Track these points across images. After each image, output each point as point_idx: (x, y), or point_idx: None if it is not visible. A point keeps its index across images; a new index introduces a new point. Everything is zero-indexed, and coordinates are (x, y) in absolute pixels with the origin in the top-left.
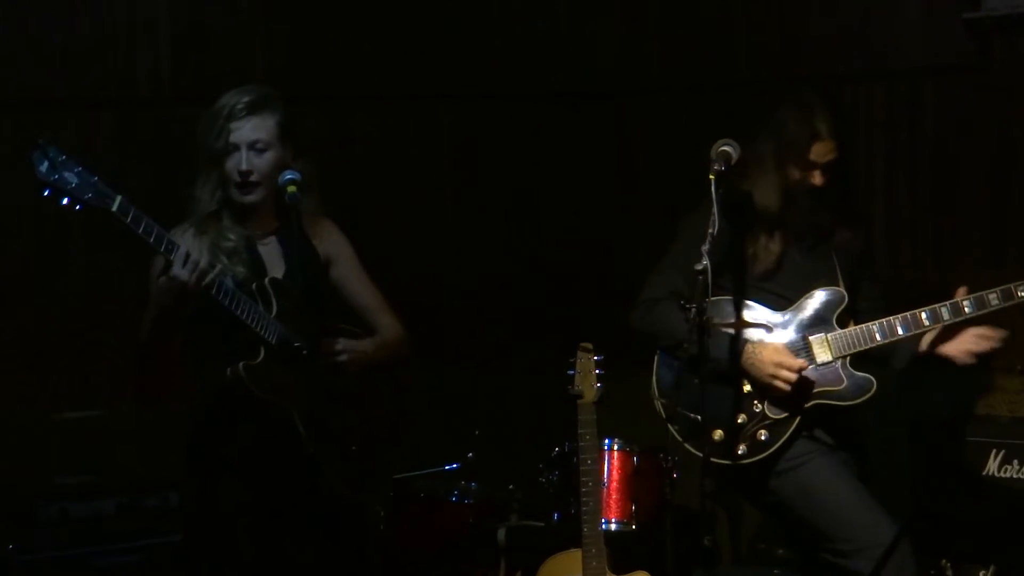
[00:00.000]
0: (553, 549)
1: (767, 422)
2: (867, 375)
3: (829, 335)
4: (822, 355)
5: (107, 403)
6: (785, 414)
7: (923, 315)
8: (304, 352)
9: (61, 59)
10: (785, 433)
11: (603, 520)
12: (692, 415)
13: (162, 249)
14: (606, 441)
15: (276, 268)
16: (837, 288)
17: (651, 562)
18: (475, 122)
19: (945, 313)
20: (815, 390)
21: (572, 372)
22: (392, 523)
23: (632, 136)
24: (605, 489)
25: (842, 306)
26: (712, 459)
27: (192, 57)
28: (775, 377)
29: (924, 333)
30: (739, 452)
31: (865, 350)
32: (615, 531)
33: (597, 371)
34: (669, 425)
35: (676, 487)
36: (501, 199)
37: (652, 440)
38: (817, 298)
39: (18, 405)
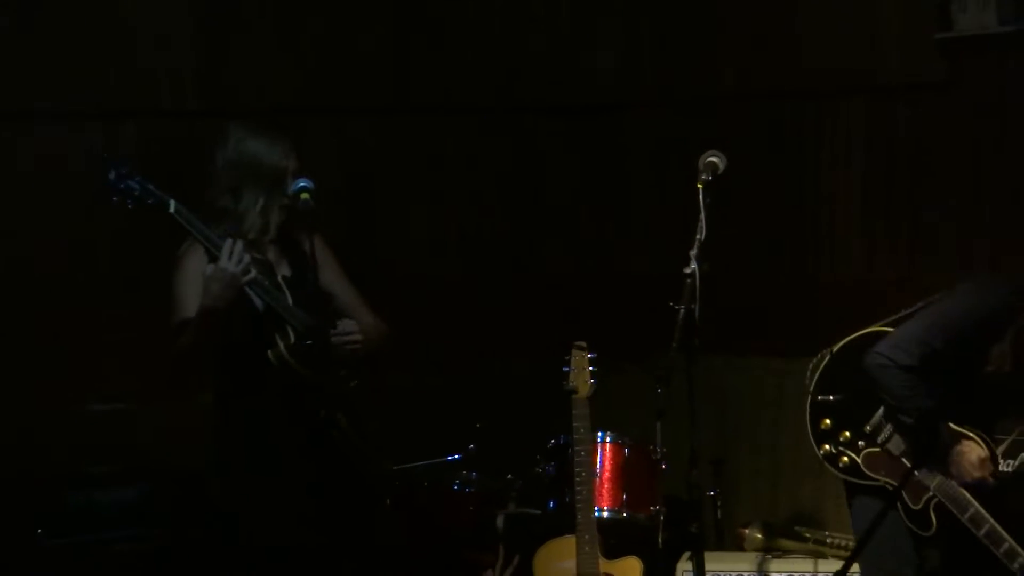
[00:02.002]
0: (549, 535)
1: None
2: None
3: None
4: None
5: (132, 397)
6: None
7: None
8: (326, 333)
9: (85, 70)
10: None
11: (596, 508)
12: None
13: (211, 244)
14: (599, 434)
15: (281, 266)
16: None
17: (641, 548)
18: (477, 134)
19: None
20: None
21: (567, 369)
22: (397, 510)
23: (626, 147)
24: (598, 479)
25: None
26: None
27: (212, 71)
28: (967, 470)
29: None
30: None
31: None
32: (607, 518)
33: (591, 368)
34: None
35: (665, 477)
36: (501, 207)
37: (642, 433)
38: None
39: (49, 399)
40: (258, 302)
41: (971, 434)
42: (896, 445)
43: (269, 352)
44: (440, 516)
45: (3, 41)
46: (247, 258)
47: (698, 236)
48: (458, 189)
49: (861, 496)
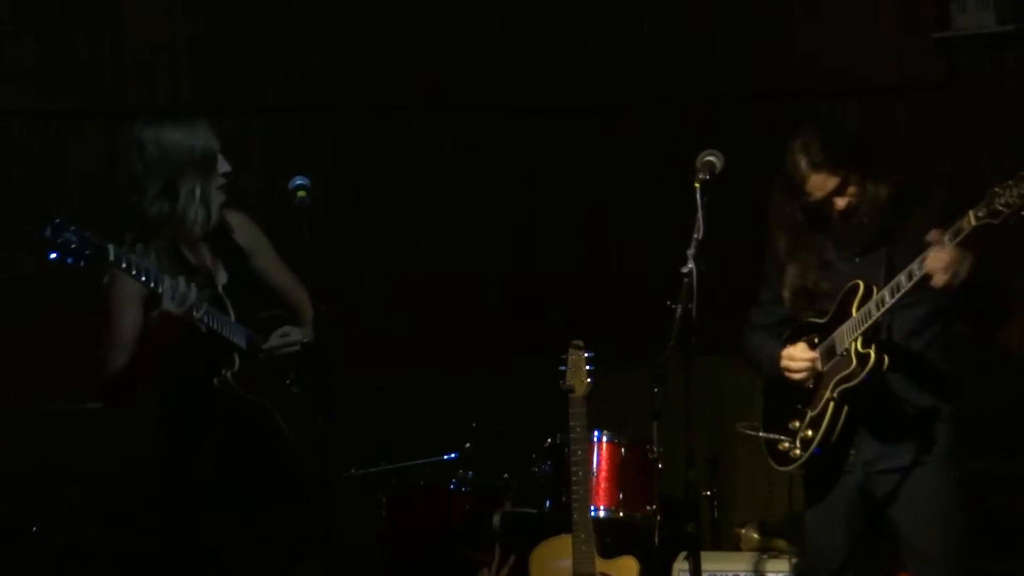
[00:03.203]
0: (545, 534)
1: (807, 420)
2: (868, 350)
3: (844, 325)
4: (840, 345)
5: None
6: (818, 409)
7: (902, 276)
8: (271, 349)
9: (82, 71)
10: (822, 424)
11: (592, 507)
12: (756, 434)
13: (152, 286)
14: (595, 433)
15: (220, 272)
16: (855, 281)
17: (638, 547)
18: (476, 133)
19: (916, 269)
20: (834, 379)
21: (564, 368)
22: (393, 509)
23: (624, 146)
24: (594, 478)
25: (857, 296)
26: (782, 468)
27: (209, 70)
28: (786, 370)
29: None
30: (796, 455)
31: (872, 327)
32: (603, 518)
33: (588, 367)
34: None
35: (661, 477)
36: (500, 205)
37: (639, 432)
38: (840, 296)
39: (44, 397)
40: (203, 328)
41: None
42: None
43: (215, 380)
44: (436, 515)
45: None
46: (192, 296)
47: (695, 235)
48: (456, 188)
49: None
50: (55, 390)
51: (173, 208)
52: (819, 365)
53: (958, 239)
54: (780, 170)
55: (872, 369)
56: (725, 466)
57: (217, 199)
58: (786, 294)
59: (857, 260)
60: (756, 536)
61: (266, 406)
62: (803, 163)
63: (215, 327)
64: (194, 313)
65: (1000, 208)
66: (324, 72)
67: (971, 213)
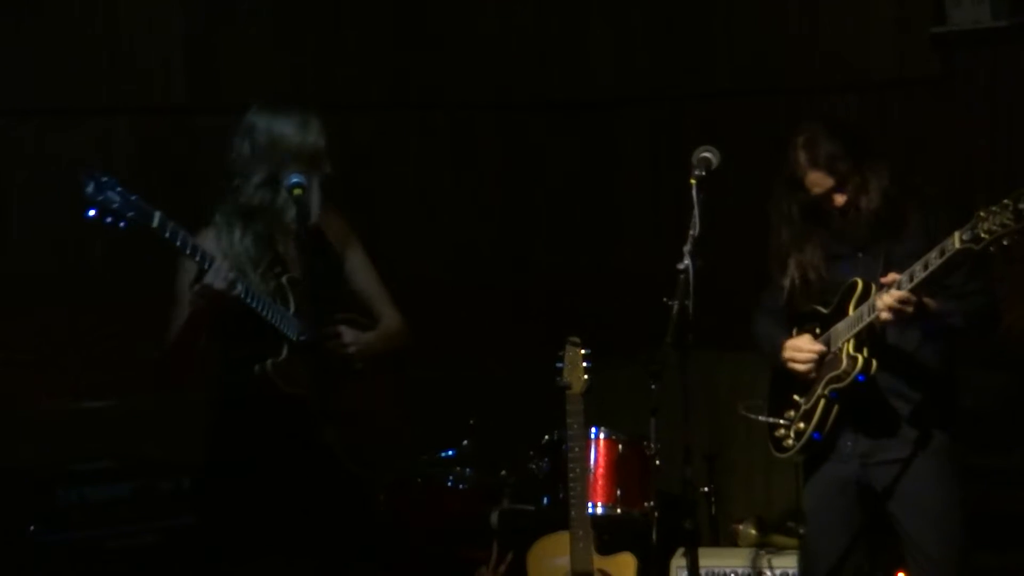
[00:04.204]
0: (543, 531)
1: (800, 411)
2: (858, 354)
3: (840, 323)
4: (834, 344)
5: (123, 393)
6: (811, 403)
7: (864, 307)
8: (320, 347)
9: (77, 66)
10: (813, 418)
11: (590, 504)
12: (758, 417)
13: (197, 259)
14: (593, 430)
15: (294, 265)
16: (854, 279)
17: (635, 544)
18: (472, 131)
19: (915, 272)
20: (826, 377)
21: (561, 365)
22: (391, 506)
23: (620, 143)
24: (592, 475)
25: (855, 294)
26: (778, 454)
27: (204, 66)
28: (791, 360)
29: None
30: (789, 444)
31: (867, 329)
32: (601, 515)
33: (585, 363)
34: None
35: (659, 473)
36: (497, 202)
37: (636, 429)
38: (841, 291)
39: (40, 395)
40: (253, 309)
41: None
42: None
43: (256, 366)
44: (434, 512)
45: None
46: (233, 275)
47: (691, 231)
48: (452, 186)
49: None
50: (53, 389)
51: (274, 198)
52: (825, 357)
53: (914, 283)
54: (782, 163)
55: (861, 371)
56: (723, 462)
57: (318, 197)
58: (785, 283)
59: (860, 255)
60: (754, 532)
61: (305, 401)
62: (803, 159)
63: (264, 313)
64: (233, 291)
65: (982, 234)
66: (319, 70)
67: (957, 235)
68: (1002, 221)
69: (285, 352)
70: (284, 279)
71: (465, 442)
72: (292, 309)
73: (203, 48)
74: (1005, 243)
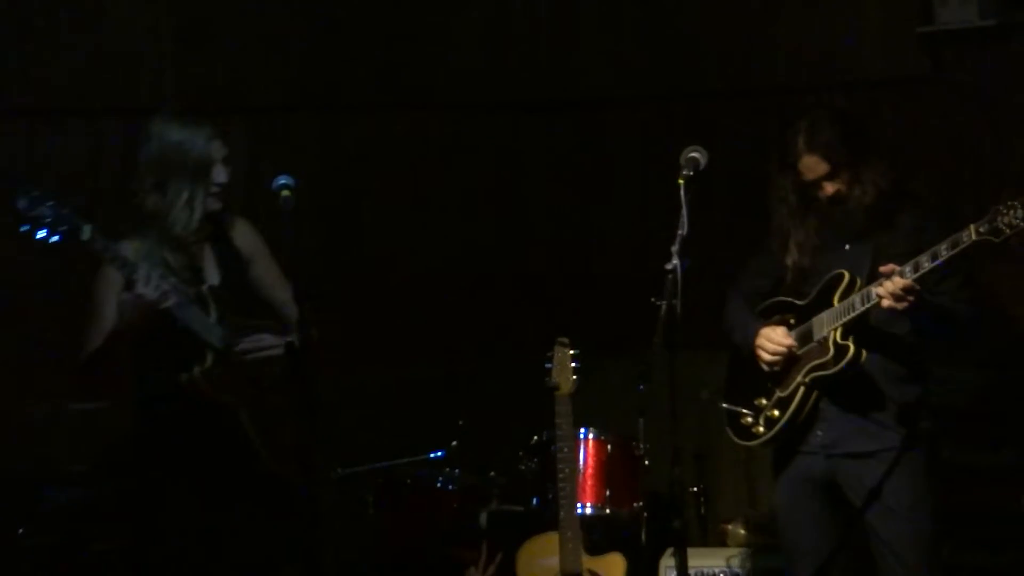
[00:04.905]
0: (532, 532)
1: (775, 399)
2: (846, 343)
3: (824, 313)
4: (819, 333)
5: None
6: (788, 391)
7: (856, 297)
8: (243, 352)
9: (65, 69)
10: (790, 407)
11: (579, 504)
12: (720, 403)
13: (126, 271)
14: (582, 430)
15: (212, 273)
16: (840, 271)
17: (624, 544)
18: (461, 131)
19: (920, 263)
20: (809, 365)
21: (549, 365)
22: (381, 508)
23: (609, 143)
24: (580, 475)
25: (840, 286)
26: (741, 441)
27: (192, 69)
28: (760, 349)
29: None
30: (758, 431)
31: (855, 319)
32: (590, 515)
33: (573, 364)
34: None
35: (647, 473)
36: (485, 203)
37: (625, 429)
38: (823, 282)
39: (27, 399)
40: (178, 323)
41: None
42: None
43: (183, 376)
44: (423, 513)
45: None
46: (164, 285)
47: (679, 232)
48: (441, 186)
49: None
50: (40, 392)
51: (164, 206)
52: (795, 352)
53: (919, 274)
54: (780, 147)
55: (849, 362)
56: (712, 462)
57: (203, 205)
58: (789, 262)
59: (847, 247)
60: (743, 532)
61: (234, 409)
62: (800, 142)
63: (188, 321)
64: (164, 302)
65: (1003, 227)
66: (308, 71)
67: (972, 227)
68: (1021, 215)
69: (210, 359)
70: (204, 288)
71: (454, 443)
72: (214, 317)
73: (191, 49)
74: (1021, 237)
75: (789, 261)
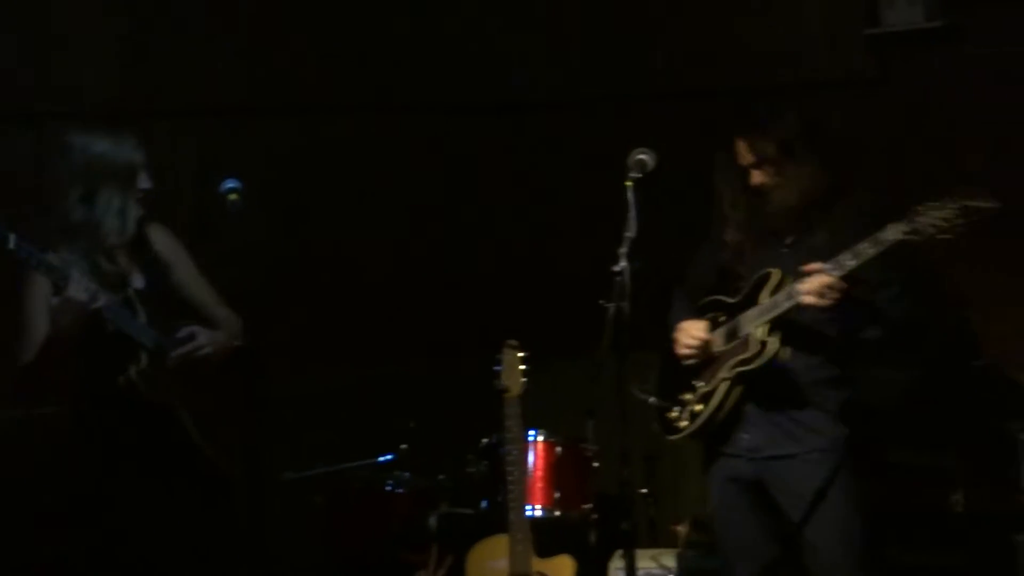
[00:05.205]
0: (481, 534)
1: (699, 393)
2: (769, 338)
3: (751, 310)
4: (744, 329)
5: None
6: (711, 386)
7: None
8: (176, 351)
9: (8, 73)
10: (712, 400)
11: (528, 507)
12: (648, 398)
13: (53, 276)
14: (531, 432)
15: (136, 277)
16: (769, 270)
17: (574, 546)
18: (409, 133)
19: (842, 261)
20: (732, 360)
21: (499, 368)
22: (330, 512)
23: (557, 145)
24: (530, 477)
25: (768, 284)
26: (668, 436)
27: (138, 73)
28: (676, 342)
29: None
30: (682, 425)
31: (780, 316)
32: (540, 517)
33: (522, 366)
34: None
35: (597, 475)
36: (433, 204)
37: (574, 431)
38: (753, 280)
39: None
40: (110, 326)
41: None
42: None
43: (120, 378)
44: (373, 517)
45: None
46: (94, 287)
47: (627, 234)
48: (390, 188)
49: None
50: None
51: (91, 216)
52: (713, 348)
53: (843, 272)
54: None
55: (771, 357)
56: (662, 463)
57: (134, 212)
58: (728, 239)
59: (784, 250)
60: (693, 533)
61: (173, 408)
62: (740, 127)
63: (120, 324)
64: (95, 303)
65: (924, 227)
66: (256, 74)
67: (892, 227)
68: (945, 216)
69: (145, 360)
70: (130, 291)
71: (403, 446)
72: (143, 319)
73: (137, 53)
74: (947, 237)
75: (728, 238)
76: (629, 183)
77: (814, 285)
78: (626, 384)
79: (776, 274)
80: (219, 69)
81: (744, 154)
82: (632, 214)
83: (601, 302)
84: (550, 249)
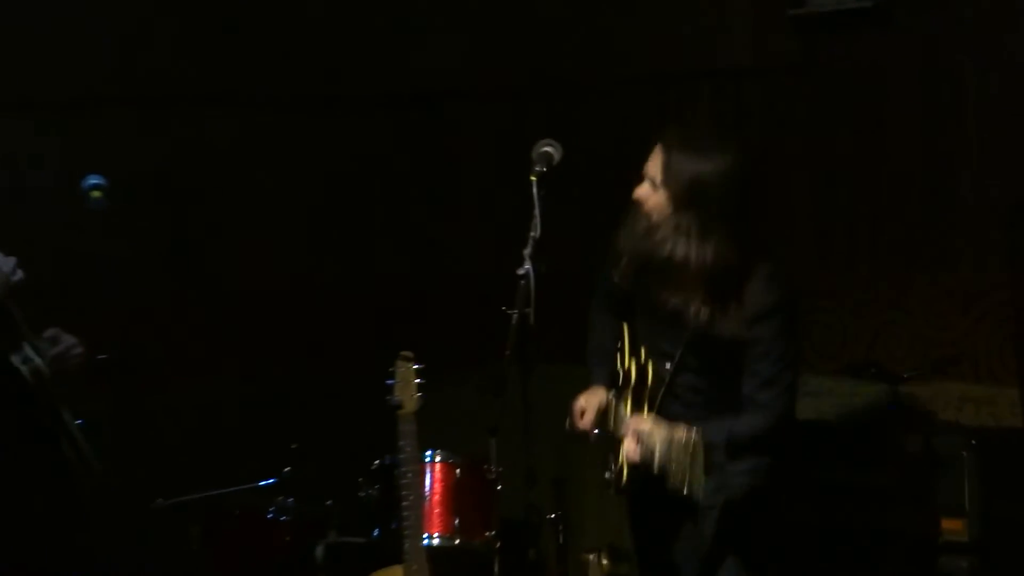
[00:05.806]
0: (374, 566)
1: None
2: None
3: (620, 411)
4: (618, 431)
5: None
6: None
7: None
8: (51, 351)
9: None
10: (619, 462)
11: (425, 535)
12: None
13: None
14: (427, 453)
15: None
16: (644, 363)
17: None
18: (302, 128)
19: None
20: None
21: (392, 381)
22: (207, 541)
23: (457, 140)
24: (427, 503)
25: (634, 384)
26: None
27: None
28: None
29: None
30: (608, 478)
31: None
32: (438, 546)
33: (418, 380)
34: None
35: (501, 499)
36: (323, 205)
37: (475, 451)
38: (636, 368)
39: None
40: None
41: None
42: None
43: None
44: (254, 547)
45: None
46: (14, 259)
47: (532, 234)
48: (276, 188)
49: None
50: None
51: None
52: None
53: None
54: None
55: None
56: (572, 486)
57: None
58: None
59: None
60: (606, 562)
61: (56, 409)
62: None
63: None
64: (15, 277)
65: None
66: (127, 64)
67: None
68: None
69: (30, 351)
70: None
71: (287, 469)
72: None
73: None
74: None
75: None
76: (533, 178)
77: (631, 445)
78: (533, 398)
79: (643, 373)
80: (87, 60)
81: (648, 166)
82: (537, 212)
83: (504, 308)
84: (449, 251)
